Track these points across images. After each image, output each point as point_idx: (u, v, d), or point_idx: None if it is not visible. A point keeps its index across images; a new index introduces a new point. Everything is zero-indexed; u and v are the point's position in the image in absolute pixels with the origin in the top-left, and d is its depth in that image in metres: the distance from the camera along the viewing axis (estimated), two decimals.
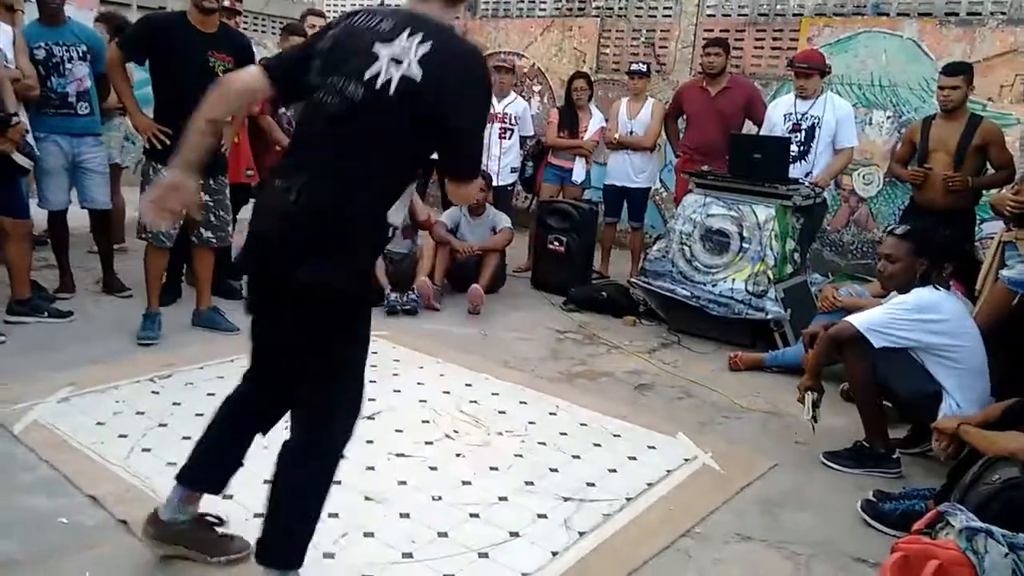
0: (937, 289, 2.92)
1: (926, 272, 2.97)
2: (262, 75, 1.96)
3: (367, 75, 1.77)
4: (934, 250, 2.98)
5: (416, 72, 1.75)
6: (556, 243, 5.52)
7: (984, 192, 4.49)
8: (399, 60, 1.77)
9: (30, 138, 3.94)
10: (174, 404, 3.14)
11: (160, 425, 2.94)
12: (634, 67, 5.78)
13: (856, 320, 2.95)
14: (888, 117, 6.00)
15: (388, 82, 1.76)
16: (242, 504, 2.42)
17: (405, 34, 1.79)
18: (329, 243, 1.78)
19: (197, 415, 3.04)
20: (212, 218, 4.00)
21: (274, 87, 1.97)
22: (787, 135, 4.84)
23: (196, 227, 3.99)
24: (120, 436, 2.81)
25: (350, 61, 1.81)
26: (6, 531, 2.21)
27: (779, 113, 4.99)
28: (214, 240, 4.06)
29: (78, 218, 4.62)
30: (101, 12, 5.66)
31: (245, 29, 6.49)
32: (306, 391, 1.93)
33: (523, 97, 6.54)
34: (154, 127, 3.73)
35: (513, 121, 5.89)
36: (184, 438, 2.83)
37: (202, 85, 3.71)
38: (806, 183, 4.68)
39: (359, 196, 1.80)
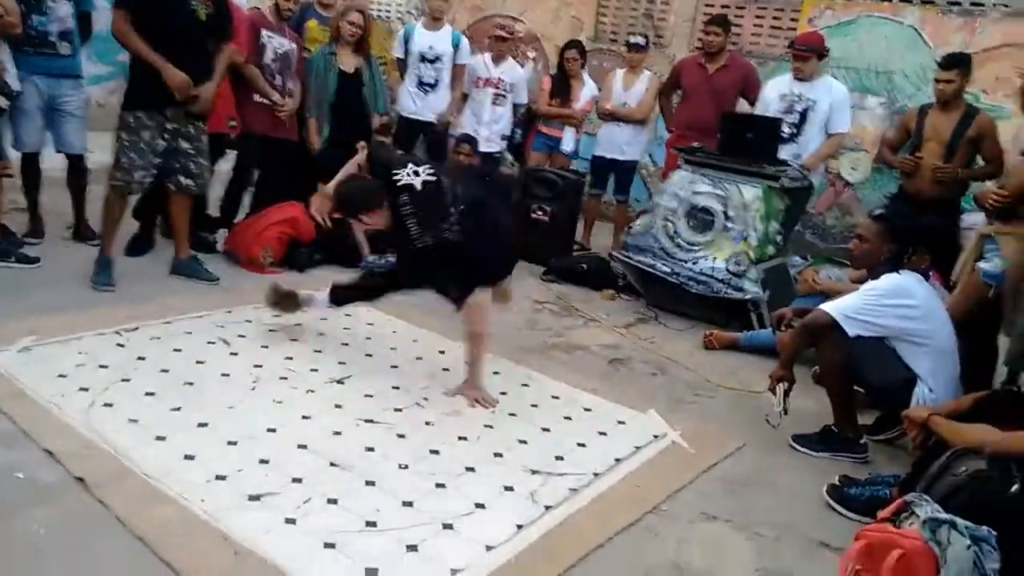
0: (899, 273, 2.91)
1: (893, 257, 2.96)
2: None
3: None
4: (904, 237, 2.98)
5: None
6: (540, 212, 5.46)
7: (972, 183, 4.48)
8: None
9: (10, 77, 3.79)
10: (139, 359, 3.06)
11: (123, 380, 2.86)
12: (633, 40, 5.66)
13: (830, 308, 2.94)
14: (882, 104, 5.95)
15: None
16: (204, 465, 2.38)
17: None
18: None
19: (162, 371, 2.99)
20: (192, 166, 3.91)
21: None
22: (779, 115, 4.79)
23: (174, 174, 3.89)
24: (81, 389, 2.74)
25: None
26: None
27: (775, 92, 4.92)
28: (194, 187, 3.99)
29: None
30: None
31: None
32: None
33: (518, 62, 6.35)
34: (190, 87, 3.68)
35: (508, 88, 5.74)
36: (147, 394, 2.79)
37: (186, 30, 3.67)
38: (794, 165, 4.64)
39: None
